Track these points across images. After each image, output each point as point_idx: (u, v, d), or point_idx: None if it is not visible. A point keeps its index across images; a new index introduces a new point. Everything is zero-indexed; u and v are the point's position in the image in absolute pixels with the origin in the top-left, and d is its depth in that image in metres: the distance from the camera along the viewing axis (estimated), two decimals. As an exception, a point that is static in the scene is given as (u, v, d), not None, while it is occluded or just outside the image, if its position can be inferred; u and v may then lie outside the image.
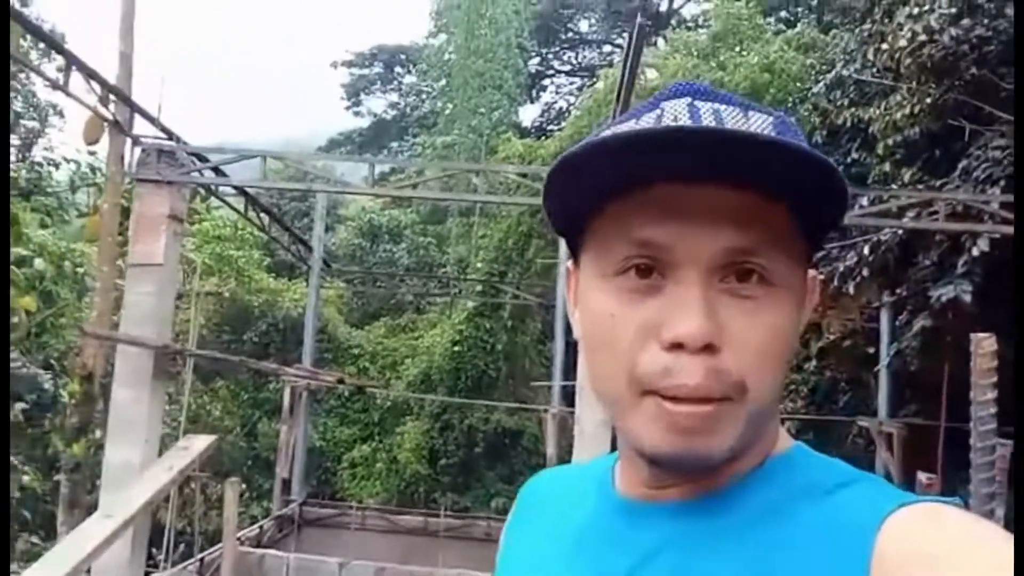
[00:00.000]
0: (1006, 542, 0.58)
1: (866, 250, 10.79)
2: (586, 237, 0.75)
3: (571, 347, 16.00)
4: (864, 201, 10.27)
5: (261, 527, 11.52)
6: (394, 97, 31.61)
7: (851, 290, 10.87)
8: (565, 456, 14.64)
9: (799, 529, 0.68)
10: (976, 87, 10.81)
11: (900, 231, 10.38)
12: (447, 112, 24.84)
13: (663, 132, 0.67)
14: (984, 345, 3.93)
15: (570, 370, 15.95)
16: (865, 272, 10.79)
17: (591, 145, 0.67)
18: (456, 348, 17.48)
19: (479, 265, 18.14)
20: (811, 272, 0.75)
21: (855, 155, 13.67)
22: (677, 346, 0.66)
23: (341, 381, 12.36)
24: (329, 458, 17.87)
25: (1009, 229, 8.92)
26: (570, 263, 0.82)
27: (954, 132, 11.19)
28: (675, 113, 0.70)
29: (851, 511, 0.66)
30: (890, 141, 12.10)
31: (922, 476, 4.19)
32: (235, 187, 9.88)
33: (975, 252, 9.37)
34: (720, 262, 0.68)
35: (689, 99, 0.71)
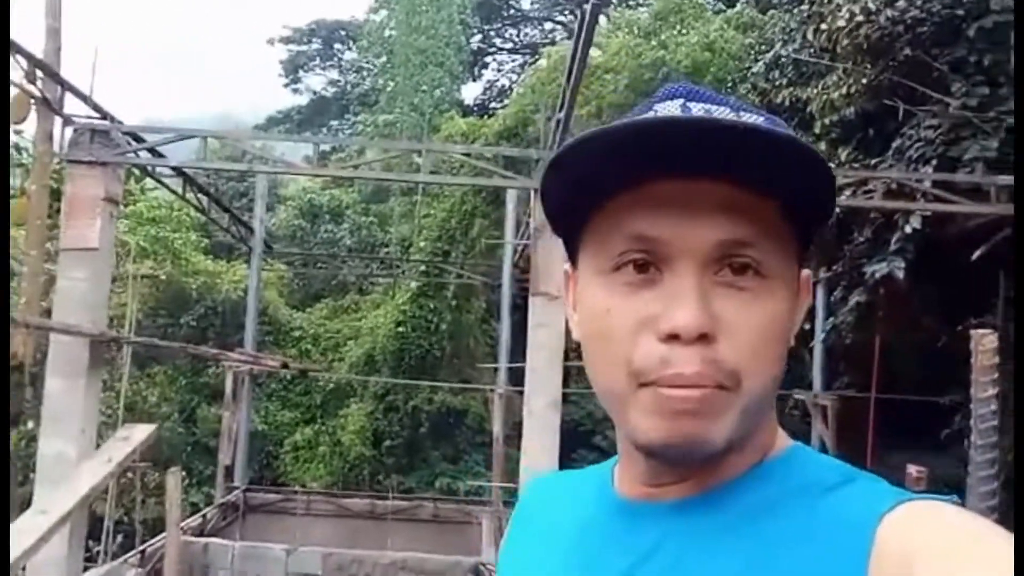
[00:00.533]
0: (1005, 540, 0.58)
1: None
2: (583, 237, 0.76)
3: (517, 327, 16.04)
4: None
5: (204, 515, 11.31)
6: (334, 74, 31.02)
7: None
8: (512, 435, 14.71)
9: (797, 526, 0.68)
10: (910, 68, 11.09)
11: (836, 209, 10.65)
12: (388, 90, 24.46)
13: (657, 122, 0.68)
14: (985, 342, 3.97)
15: (516, 350, 16.01)
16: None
17: (584, 140, 0.68)
18: (400, 329, 17.36)
19: (422, 245, 18.00)
20: (804, 271, 0.76)
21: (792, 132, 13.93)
22: (673, 337, 0.67)
23: (285, 365, 12.17)
24: (271, 442, 17.62)
25: (940, 206, 9.19)
26: (568, 266, 0.82)
27: (888, 112, 11.47)
28: (668, 114, 0.71)
29: (850, 508, 0.67)
30: (827, 121, 12.36)
31: (912, 469, 4.27)
32: (174, 168, 9.53)
33: (908, 229, 9.66)
34: (715, 255, 0.69)
35: (682, 100, 0.72)
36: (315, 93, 30.74)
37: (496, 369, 18.32)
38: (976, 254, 10.27)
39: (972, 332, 4.06)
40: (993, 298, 12.70)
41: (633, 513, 0.78)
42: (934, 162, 10.06)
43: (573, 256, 0.80)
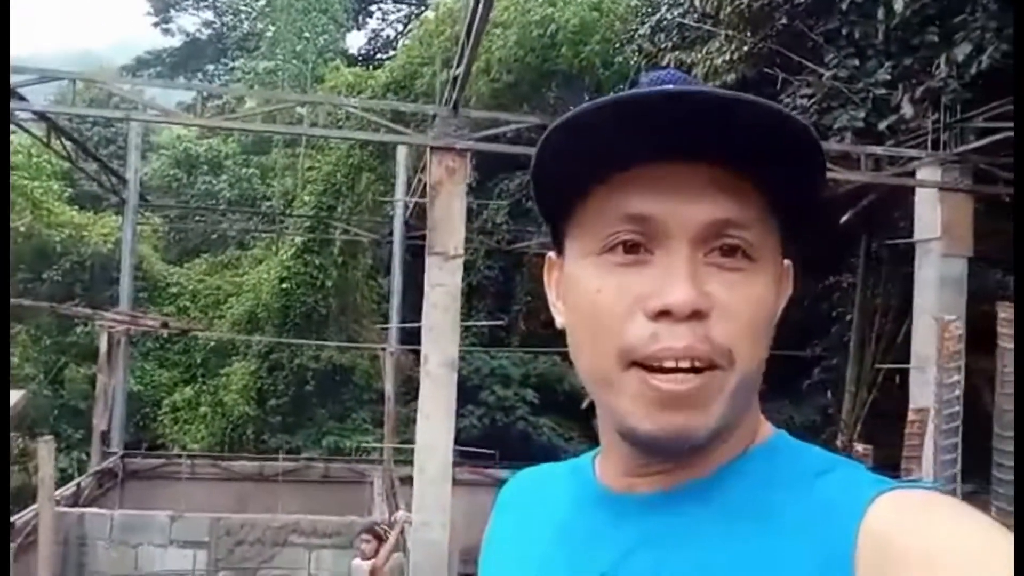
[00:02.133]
0: (990, 526, 0.59)
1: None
2: (572, 220, 0.75)
3: (408, 285, 15.94)
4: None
5: (79, 484, 10.76)
6: (208, 15, 29.20)
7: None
8: (403, 394, 14.71)
9: (782, 517, 0.68)
10: (788, 37, 11.54)
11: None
12: (269, 35, 23.33)
13: (643, 95, 0.67)
14: (951, 328, 4.13)
15: (406, 308, 15.92)
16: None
17: (574, 118, 0.68)
18: (284, 285, 16.90)
19: (307, 199, 17.48)
20: (786, 261, 0.76)
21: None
22: (664, 314, 0.67)
23: (165, 325, 11.66)
24: (147, 403, 16.93)
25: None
26: (552, 254, 0.82)
27: (768, 79, 11.92)
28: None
29: (834, 498, 0.67)
30: (711, 85, 12.72)
31: (858, 447, 4.46)
32: (36, 112, 8.77)
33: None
34: (706, 234, 0.69)
35: (670, 86, 0.72)
36: (188, 34, 28.92)
37: (384, 327, 18.22)
38: (844, 218, 10.95)
39: (936, 319, 4.27)
40: (854, 257, 13.60)
41: (617, 505, 0.78)
42: (808, 130, 10.57)
43: (559, 242, 0.79)
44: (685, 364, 0.67)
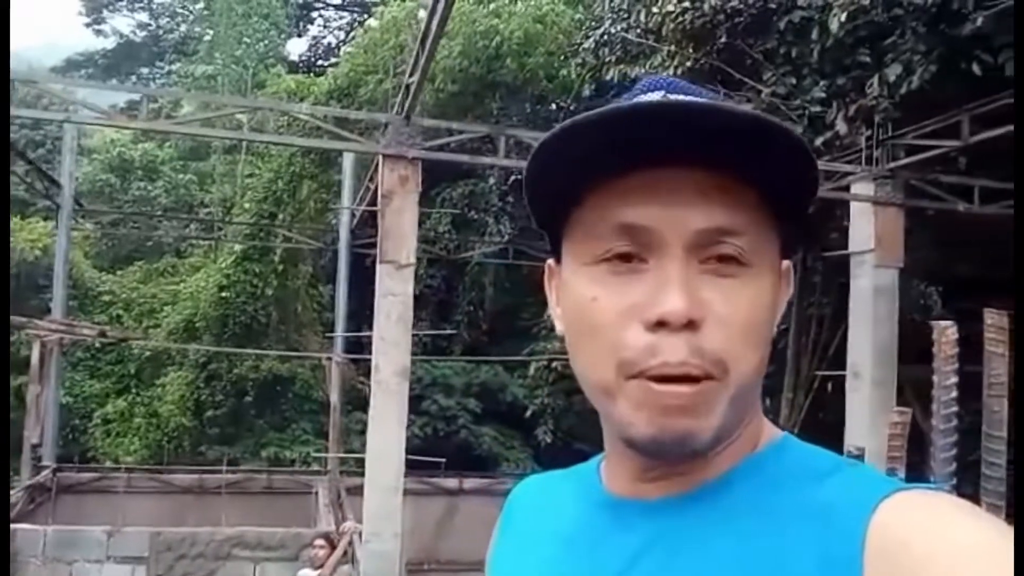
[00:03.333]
0: (998, 527, 0.60)
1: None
2: (567, 229, 0.76)
3: (354, 292, 15.79)
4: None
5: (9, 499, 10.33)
6: (144, 17, 28.40)
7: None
8: (344, 404, 14.54)
9: (789, 519, 0.69)
10: (729, 54, 11.87)
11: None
12: (207, 39, 22.88)
13: (642, 107, 0.69)
14: (948, 333, 4.24)
15: (348, 317, 15.78)
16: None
17: (569, 128, 0.69)
18: (223, 294, 16.55)
19: (247, 206, 17.17)
20: (785, 262, 0.77)
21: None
22: (660, 325, 0.68)
23: (103, 334, 11.29)
24: (77, 415, 16.37)
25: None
26: (551, 261, 0.83)
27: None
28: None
29: (841, 499, 0.67)
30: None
31: (851, 447, 4.54)
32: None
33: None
34: (700, 242, 0.69)
35: (663, 92, 0.74)
36: (122, 36, 28.10)
37: (326, 336, 17.99)
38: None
39: (934, 324, 4.40)
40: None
41: (623, 511, 0.78)
42: (748, 145, 10.88)
43: (556, 250, 0.80)
44: (681, 381, 0.68)
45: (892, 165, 9.06)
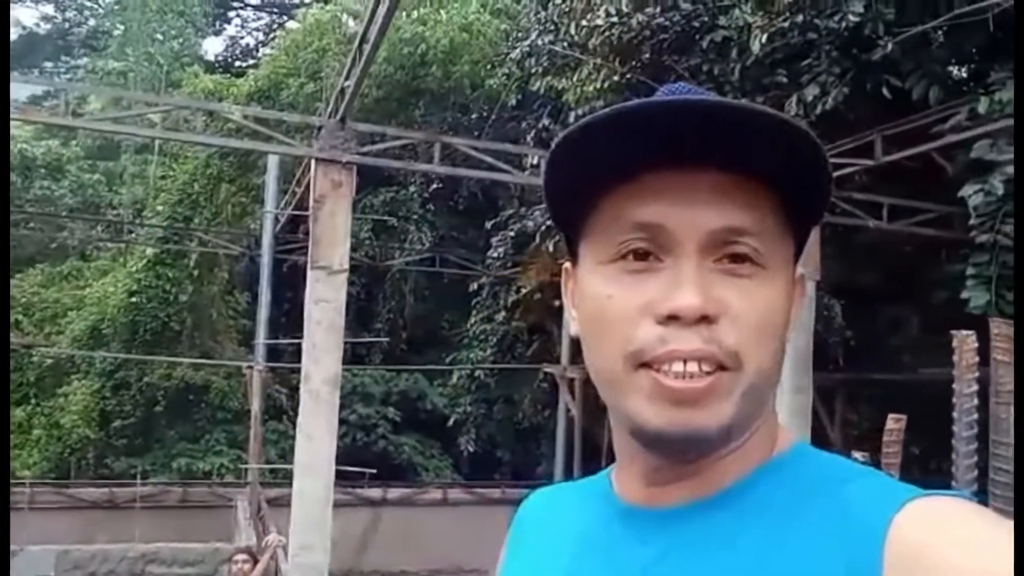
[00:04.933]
0: (1013, 535, 0.60)
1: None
2: (584, 230, 0.77)
3: (279, 300, 15.39)
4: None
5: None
6: (49, 9, 27.04)
7: (551, 248, 11.77)
8: (266, 413, 14.16)
9: (807, 527, 0.68)
10: (654, 69, 12.15)
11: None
12: (118, 34, 21.96)
13: (661, 103, 0.69)
14: (968, 342, 4.31)
15: (269, 324, 15.37)
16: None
17: (582, 127, 0.69)
18: (133, 299, 15.88)
19: (160, 208, 16.54)
20: (799, 270, 0.78)
21: (546, 121, 14.66)
22: (672, 319, 0.68)
23: (5, 341, 10.61)
24: (-29, 426, 15.40)
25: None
26: (567, 264, 0.83)
27: (636, 108, 12.49)
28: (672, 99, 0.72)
29: (861, 506, 0.67)
30: (580, 112, 13.18)
31: (857, 454, 4.59)
32: None
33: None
34: (714, 241, 0.70)
35: (670, 96, 0.74)
36: (25, 28, 26.71)
37: (242, 344, 17.49)
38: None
39: (954, 334, 4.48)
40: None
41: (638, 519, 0.77)
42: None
43: (573, 251, 0.80)
44: (693, 367, 0.68)
45: (810, 182, 9.42)
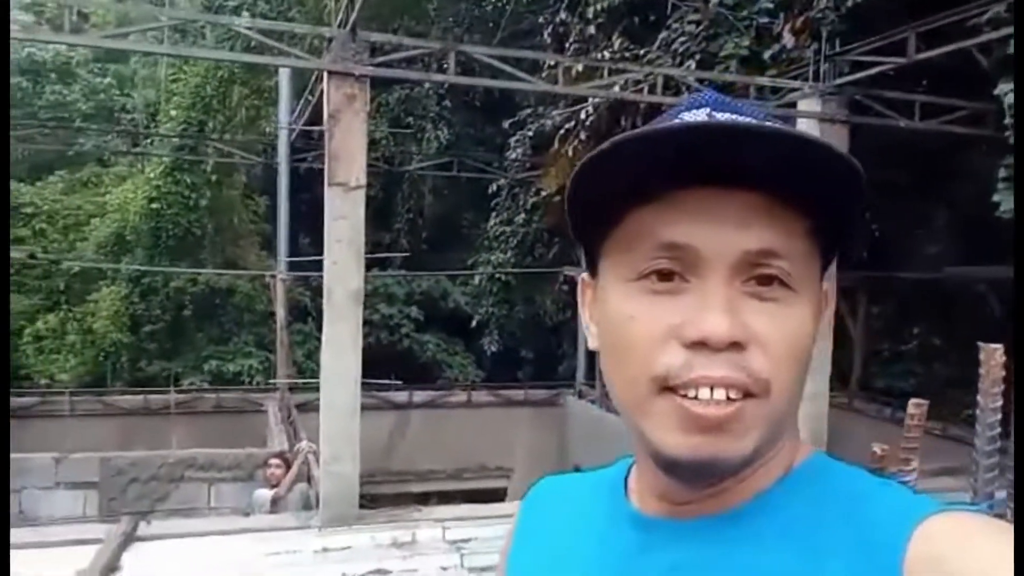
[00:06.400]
0: None
1: (582, 115, 11.49)
2: (607, 244, 0.75)
3: (298, 203, 15.38)
4: (580, 67, 10.79)
5: (-55, 427, 10.01)
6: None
7: (570, 152, 11.57)
8: (291, 315, 14.42)
9: (825, 542, 0.68)
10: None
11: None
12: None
13: (686, 127, 0.68)
14: (995, 356, 4.19)
15: (297, 227, 15.45)
16: (582, 135, 11.52)
17: (615, 146, 0.67)
18: (154, 205, 15.91)
19: (173, 113, 16.33)
20: (825, 284, 0.76)
21: (563, 15, 14.14)
22: (699, 344, 0.67)
23: (33, 256, 10.80)
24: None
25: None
26: (585, 275, 0.81)
27: (655, 3, 12.00)
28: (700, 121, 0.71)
29: (879, 521, 0.67)
30: (598, 6, 12.68)
31: (876, 448, 4.57)
32: None
33: (673, 120, 10.42)
34: (743, 264, 0.68)
35: (708, 109, 0.73)
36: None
37: (263, 250, 17.61)
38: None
39: (982, 347, 4.35)
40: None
41: (653, 530, 0.77)
42: (697, 56, 10.79)
43: (592, 264, 0.78)
44: (720, 393, 0.67)
45: (839, 81, 9.11)
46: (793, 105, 9.35)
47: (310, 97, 11.99)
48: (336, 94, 7.23)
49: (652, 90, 9.54)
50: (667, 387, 0.68)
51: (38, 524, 8.14)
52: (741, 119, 0.70)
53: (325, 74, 7.44)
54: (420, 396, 14.15)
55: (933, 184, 11.82)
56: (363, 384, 7.85)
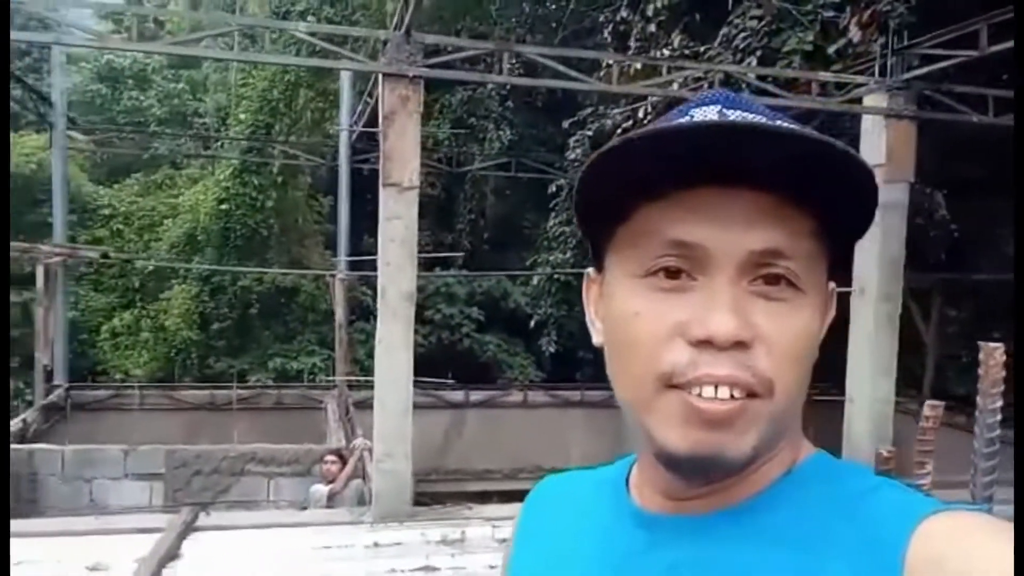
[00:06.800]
0: None
1: (641, 113, 11.39)
2: (614, 240, 0.75)
3: (354, 204, 15.64)
4: (638, 65, 10.68)
5: (24, 420, 10.51)
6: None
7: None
8: (353, 314, 14.67)
9: (826, 541, 0.68)
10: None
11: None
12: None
13: (697, 126, 0.68)
14: (995, 355, 4.11)
15: (351, 230, 15.70)
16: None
17: (624, 143, 0.68)
18: (223, 206, 16.41)
19: (242, 117, 16.82)
20: (831, 284, 0.76)
21: (624, 13, 14.01)
22: (705, 343, 0.67)
23: (106, 256, 11.24)
24: (84, 329, 16.50)
25: (761, 99, 9.71)
26: (591, 270, 0.81)
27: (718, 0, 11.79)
28: (712, 120, 0.71)
29: (880, 520, 0.67)
30: (659, 3, 12.52)
31: (882, 450, 4.49)
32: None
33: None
34: (750, 263, 0.68)
35: (719, 107, 0.72)
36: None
37: (327, 250, 17.95)
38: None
39: (981, 346, 4.25)
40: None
41: (655, 527, 0.77)
42: (758, 53, 10.56)
43: (599, 260, 0.78)
44: (725, 391, 0.67)
45: (907, 76, 8.80)
46: (859, 101, 9.06)
47: (368, 99, 12.18)
48: (390, 96, 7.32)
49: (711, 87, 9.37)
50: (672, 384, 0.68)
51: (105, 513, 8.46)
52: (751, 117, 0.69)
53: (380, 76, 7.53)
54: (476, 396, 14.22)
55: (1012, 181, 11.31)
56: (419, 383, 7.91)
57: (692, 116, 0.71)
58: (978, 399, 4.30)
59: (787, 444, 0.75)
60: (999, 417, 4.25)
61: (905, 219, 8.85)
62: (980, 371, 4.20)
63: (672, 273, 0.69)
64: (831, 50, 9.98)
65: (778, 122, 0.68)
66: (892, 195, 8.52)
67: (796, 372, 0.70)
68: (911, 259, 9.37)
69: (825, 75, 9.33)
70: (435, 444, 12.49)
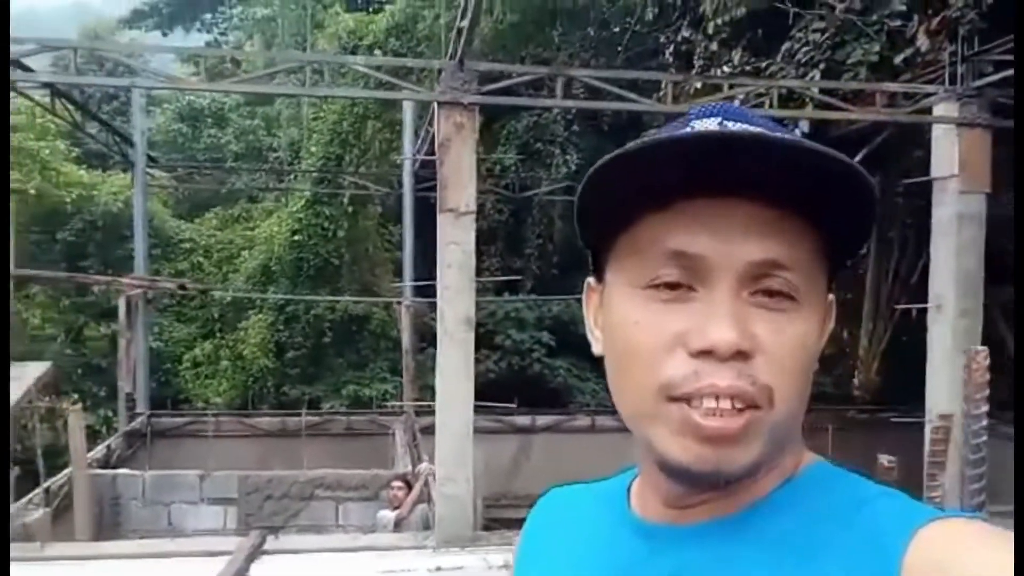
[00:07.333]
0: None
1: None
2: (615, 251, 0.75)
3: (420, 233, 15.89)
4: (698, 84, 10.60)
5: (108, 446, 10.99)
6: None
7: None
8: (423, 341, 14.84)
9: (824, 549, 0.68)
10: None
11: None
12: (266, -20, 22.87)
13: (696, 137, 0.68)
14: (979, 359, 4.03)
15: (417, 258, 15.93)
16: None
17: (626, 154, 0.68)
18: (296, 237, 16.90)
19: (313, 149, 17.35)
20: (830, 296, 0.76)
21: (685, 33, 13.95)
22: (706, 353, 0.67)
23: (183, 287, 11.72)
24: (167, 359, 17.15)
25: (827, 113, 9.50)
26: (591, 280, 0.82)
27: (778, 14, 11.62)
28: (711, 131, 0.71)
29: (877, 529, 0.67)
30: (720, 21, 12.41)
31: (883, 459, 4.40)
32: (43, 83, 8.70)
33: (797, 132, 10.01)
34: (751, 274, 0.69)
35: (719, 119, 0.72)
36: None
37: (397, 277, 18.26)
38: (858, 156, 10.79)
39: (967, 349, 4.15)
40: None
41: (655, 536, 0.77)
42: (821, 66, 10.35)
43: (599, 269, 0.79)
44: (726, 403, 0.67)
45: (979, 83, 8.48)
46: (928, 111, 8.77)
47: (429, 128, 12.42)
48: (445, 123, 7.44)
49: (771, 104, 9.23)
50: (673, 397, 0.69)
51: (181, 536, 8.73)
52: (752, 129, 0.70)
53: (436, 104, 7.67)
54: (543, 420, 14.16)
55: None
56: (483, 407, 7.93)
57: (693, 127, 0.71)
58: (962, 404, 4.10)
59: (788, 453, 0.75)
60: (984, 423, 4.05)
61: (983, 231, 8.48)
62: (963, 376, 4.01)
63: (672, 285, 0.70)
64: (898, 60, 9.72)
65: (778, 134, 0.68)
66: (967, 206, 8.19)
67: (796, 382, 0.70)
68: (1000, 273, 8.97)
69: (892, 85, 9.07)
70: (503, 469, 12.47)
